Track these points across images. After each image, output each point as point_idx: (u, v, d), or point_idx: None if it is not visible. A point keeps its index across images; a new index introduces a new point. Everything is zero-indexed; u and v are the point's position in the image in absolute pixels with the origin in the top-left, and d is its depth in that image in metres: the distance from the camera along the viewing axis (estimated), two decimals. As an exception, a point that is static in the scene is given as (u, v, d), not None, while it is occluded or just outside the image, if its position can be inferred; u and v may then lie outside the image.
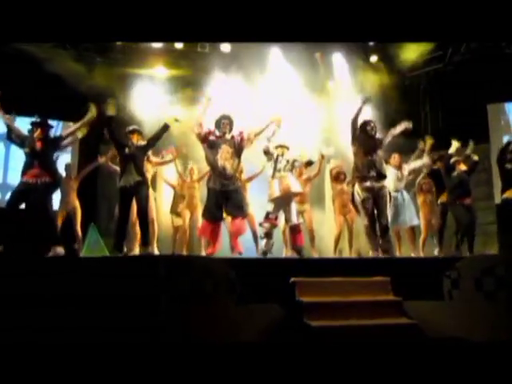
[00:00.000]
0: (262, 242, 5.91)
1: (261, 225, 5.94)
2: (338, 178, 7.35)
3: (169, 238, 7.67)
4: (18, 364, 3.09)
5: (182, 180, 7.42)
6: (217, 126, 5.79)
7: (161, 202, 7.97)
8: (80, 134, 5.83)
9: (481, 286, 4.18)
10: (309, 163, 6.60)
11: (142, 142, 5.66)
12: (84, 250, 7.21)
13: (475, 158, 6.63)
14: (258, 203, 6.89)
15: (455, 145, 6.74)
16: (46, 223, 5.29)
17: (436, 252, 6.78)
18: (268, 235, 5.84)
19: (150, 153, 6.18)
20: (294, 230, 5.94)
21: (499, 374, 3.14)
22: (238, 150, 5.71)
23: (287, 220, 6.07)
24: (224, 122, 5.75)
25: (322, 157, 6.58)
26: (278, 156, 5.92)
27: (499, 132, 9.33)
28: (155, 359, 3.21)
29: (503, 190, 6.24)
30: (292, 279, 4.29)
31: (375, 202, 5.69)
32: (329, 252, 7.47)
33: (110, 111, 5.50)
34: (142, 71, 9.22)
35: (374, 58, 9.47)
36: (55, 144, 5.48)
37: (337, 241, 7.25)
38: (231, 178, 5.58)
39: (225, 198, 5.59)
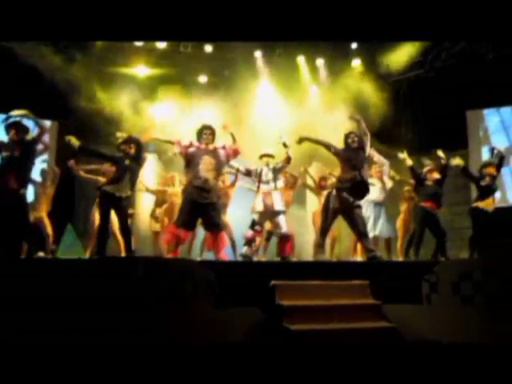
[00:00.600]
0: (244, 248, 5.90)
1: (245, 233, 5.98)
2: (320, 184, 7.43)
3: (149, 241, 7.64)
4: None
5: (162, 188, 7.40)
6: (198, 137, 5.70)
7: (140, 206, 7.94)
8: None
9: (458, 290, 4.25)
10: (288, 160, 6.38)
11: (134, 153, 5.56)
12: (60, 251, 7.09)
13: (442, 161, 6.69)
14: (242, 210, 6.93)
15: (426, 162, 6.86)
16: (21, 229, 5.19)
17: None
18: (249, 243, 5.86)
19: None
20: (284, 239, 5.96)
21: (477, 376, 3.20)
22: (221, 161, 5.63)
23: (276, 228, 6.10)
24: (206, 133, 5.65)
25: (284, 145, 6.19)
26: (261, 170, 6.01)
27: (478, 138, 9.52)
28: (135, 360, 3.18)
29: (476, 200, 6.46)
30: (272, 282, 4.30)
31: (347, 214, 5.70)
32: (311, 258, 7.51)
33: (75, 144, 5.41)
34: (123, 70, 9.15)
35: (356, 63, 9.57)
36: (31, 148, 5.32)
37: (332, 246, 7.30)
38: (210, 191, 5.45)
39: (201, 210, 5.46)
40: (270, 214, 5.98)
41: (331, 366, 3.40)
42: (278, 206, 5.94)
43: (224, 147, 5.69)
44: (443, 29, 5.37)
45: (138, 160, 5.56)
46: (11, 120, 5.30)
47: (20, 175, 5.17)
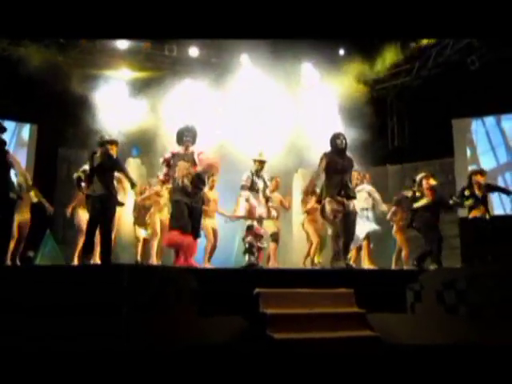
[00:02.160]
0: (246, 257, 5.92)
1: (243, 239, 6.00)
2: (307, 192, 7.48)
3: (130, 248, 7.61)
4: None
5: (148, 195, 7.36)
6: (179, 139, 5.71)
7: (122, 212, 7.89)
8: None
9: (442, 299, 4.32)
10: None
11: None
12: (39, 258, 7.02)
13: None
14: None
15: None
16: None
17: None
18: (251, 250, 5.88)
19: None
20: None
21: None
22: (195, 165, 5.59)
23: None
24: (187, 135, 5.67)
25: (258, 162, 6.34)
26: (252, 178, 6.08)
27: (463, 147, 9.70)
28: (118, 367, 3.18)
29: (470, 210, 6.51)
30: (256, 290, 4.32)
31: (344, 218, 5.66)
32: (297, 265, 7.56)
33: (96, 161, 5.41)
34: (105, 72, 9.13)
35: (343, 69, 9.69)
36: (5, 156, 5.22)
37: (314, 253, 7.34)
38: (194, 196, 5.49)
39: (189, 211, 5.48)
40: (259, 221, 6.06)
41: (315, 375, 3.43)
42: (260, 210, 6.03)
43: (200, 153, 5.65)
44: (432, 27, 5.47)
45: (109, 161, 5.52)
46: None
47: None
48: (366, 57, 9.34)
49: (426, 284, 4.51)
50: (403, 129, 10.30)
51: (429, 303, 4.40)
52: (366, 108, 9.02)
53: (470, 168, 9.08)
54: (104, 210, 5.31)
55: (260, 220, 6.07)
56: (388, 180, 8.59)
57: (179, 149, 5.71)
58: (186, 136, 5.66)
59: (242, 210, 5.99)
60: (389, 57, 9.43)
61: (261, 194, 6.10)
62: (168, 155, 5.70)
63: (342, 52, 9.65)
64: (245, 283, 4.47)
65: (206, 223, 6.83)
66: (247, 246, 5.92)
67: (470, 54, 8.97)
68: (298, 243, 7.71)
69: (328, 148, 5.84)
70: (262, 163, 6.27)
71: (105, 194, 5.29)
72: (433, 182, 6.71)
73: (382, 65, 9.40)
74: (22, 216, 6.34)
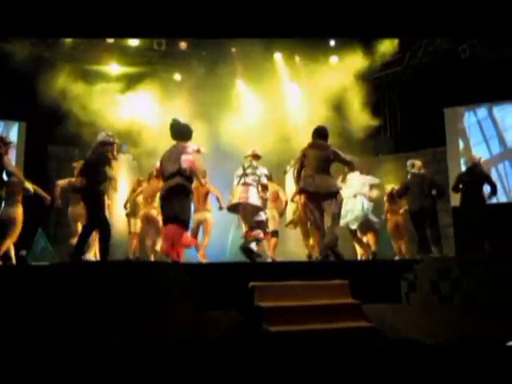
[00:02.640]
0: (253, 244, 5.94)
1: (244, 237, 6.05)
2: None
3: (123, 243, 7.58)
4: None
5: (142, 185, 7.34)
6: (171, 132, 5.68)
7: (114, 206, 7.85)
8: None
9: (437, 288, 4.34)
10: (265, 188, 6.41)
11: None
12: (31, 256, 6.99)
13: None
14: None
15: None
16: None
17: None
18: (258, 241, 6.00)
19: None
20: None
21: (454, 376, 3.28)
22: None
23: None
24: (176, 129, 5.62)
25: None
26: (244, 171, 6.09)
27: (455, 136, 9.73)
28: (111, 363, 3.18)
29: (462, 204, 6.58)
30: (251, 284, 4.32)
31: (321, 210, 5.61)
32: (292, 256, 7.58)
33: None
34: (93, 68, 9.06)
35: (334, 60, 9.68)
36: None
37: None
38: (176, 187, 5.40)
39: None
40: (244, 208, 6.04)
41: (311, 367, 3.44)
42: (253, 199, 6.03)
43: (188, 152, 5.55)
44: (420, 26, 5.49)
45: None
46: None
47: None
48: (357, 47, 9.33)
49: (420, 274, 4.53)
50: (395, 119, 10.32)
51: (423, 293, 4.42)
52: (357, 98, 9.03)
53: (463, 159, 9.14)
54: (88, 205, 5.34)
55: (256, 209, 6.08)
56: (380, 170, 8.60)
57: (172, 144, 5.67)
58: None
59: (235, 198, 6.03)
60: (380, 47, 9.42)
61: (253, 188, 6.09)
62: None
63: (332, 43, 9.63)
64: (239, 277, 4.47)
65: (201, 217, 6.86)
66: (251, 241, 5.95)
67: (460, 43, 8.98)
68: (294, 233, 7.70)
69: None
70: (254, 158, 6.27)
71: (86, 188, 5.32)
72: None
73: (373, 54, 9.38)
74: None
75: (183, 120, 5.80)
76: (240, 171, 6.22)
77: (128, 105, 8.85)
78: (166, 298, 3.90)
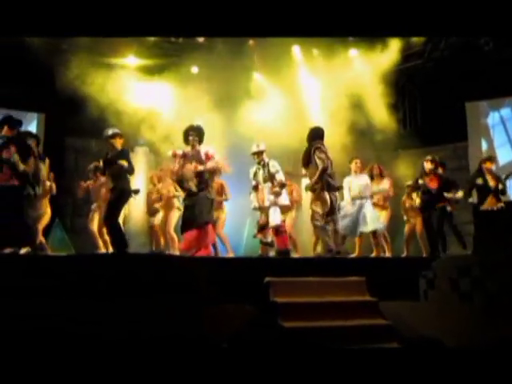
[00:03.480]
0: (270, 237, 6.10)
1: (254, 236, 6.22)
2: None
3: (143, 236, 7.66)
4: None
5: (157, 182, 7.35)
6: (185, 138, 5.79)
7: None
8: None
9: (456, 286, 4.28)
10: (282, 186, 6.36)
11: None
12: (49, 247, 7.06)
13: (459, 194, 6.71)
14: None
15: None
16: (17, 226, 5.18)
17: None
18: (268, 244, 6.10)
19: None
20: (277, 232, 6.02)
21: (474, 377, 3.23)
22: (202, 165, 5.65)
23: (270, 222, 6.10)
24: (192, 134, 5.74)
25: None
26: (256, 171, 6.16)
27: (477, 132, 9.55)
28: (128, 355, 3.21)
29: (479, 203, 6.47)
30: (267, 279, 4.31)
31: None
32: (306, 252, 7.54)
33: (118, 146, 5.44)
34: (112, 60, 9.09)
35: (353, 53, 9.55)
36: (25, 142, 5.35)
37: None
38: (196, 195, 5.59)
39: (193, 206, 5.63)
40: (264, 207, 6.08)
41: (326, 364, 3.42)
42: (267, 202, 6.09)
43: (207, 153, 5.73)
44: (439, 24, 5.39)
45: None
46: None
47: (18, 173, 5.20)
48: (376, 40, 9.19)
49: (439, 271, 4.47)
50: (415, 113, 10.16)
51: (442, 291, 4.36)
52: (376, 92, 8.91)
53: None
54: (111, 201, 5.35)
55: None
56: (399, 165, 8.48)
57: (188, 148, 5.79)
58: (190, 135, 5.73)
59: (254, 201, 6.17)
60: (399, 40, 9.26)
61: (265, 185, 6.12)
62: (179, 152, 5.77)
63: (350, 37, 9.49)
64: (255, 272, 4.47)
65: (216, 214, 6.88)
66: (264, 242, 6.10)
67: (482, 36, 8.77)
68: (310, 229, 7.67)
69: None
70: (260, 155, 6.24)
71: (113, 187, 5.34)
72: (430, 165, 6.57)
73: (394, 47, 9.23)
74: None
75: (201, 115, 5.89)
76: (254, 171, 6.28)
77: (146, 97, 8.86)
78: (183, 292, 3.91)
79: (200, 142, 5.77)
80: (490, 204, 6.34)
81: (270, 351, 3.53)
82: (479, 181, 6.47)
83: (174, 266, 4.29)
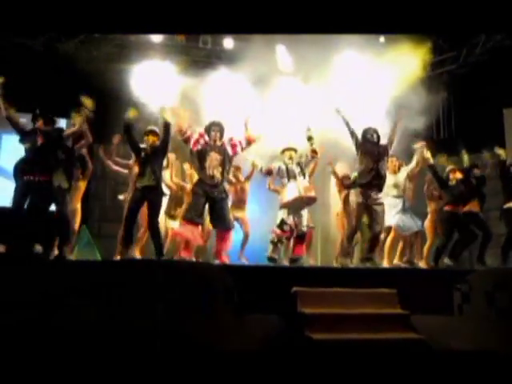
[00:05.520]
0: (269, 250, 5.99)
1: (273, 231, 6.06)
2: (343, 183, 7.36)
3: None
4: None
5: (178, 185, 7.38)
6: (207, 133, 5.87)
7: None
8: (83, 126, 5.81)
9: (493, 301, 4.15)
10: (314, 152, 6.37)
11: (158, 143, 5.75)
12: (75, 252, 7.18)
13: (501, 158, 6.64)
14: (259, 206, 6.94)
15: (440, 158, 6.83)
16: (49, 223, 5.33)
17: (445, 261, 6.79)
18: (275, 243, 5.97)
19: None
20: (301, 239, 6.03)
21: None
22: (227, 157, 5.82)
23: (296, 225, 6.06)
24: (214, 129, 5.84)
25: (309, 138, 6.38)
26: (286, 167, 6.09)
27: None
28: (148, 365, 3.22)
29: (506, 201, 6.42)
30: (294, 289, 4.28)
31: (369, 210, 5.76)
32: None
33: (131, 116, 5.66)
34: (140, 66, 9.23)
35: (383, 57, 9.44)
36: (58, 141, 5.53)
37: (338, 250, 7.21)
38: (218, 187, 5.68)
39: (208, 204, 5.72)
40: (300, 203, 6.00)
41: (355, 379, 3.37)
42: (310, 191, 6.07)
43: (231, 139, 5.87)
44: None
45: (157, 149, 5.70)
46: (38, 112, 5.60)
47: (49, 167, 5.40)
48: (408, 44, 9.07)
49: (475, 285, 4.34)
50: (450, 119, 9.98)
51: (478, 305, 4.23)
52: (409, 98, 8.77)
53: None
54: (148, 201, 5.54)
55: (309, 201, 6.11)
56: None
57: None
58: (213, 130, 5.83)
59: (289, 195, 6.02)
60: (431, 44, 9.11)
61: (300, 179, 6.09)
62: (197, 137, 5.81)
63: (382, 39, 9.40)
64: (281, 281, 4.44)
65: (237, 214, 6.88)
66: (273, 239, 5.98)
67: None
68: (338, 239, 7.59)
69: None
70: (290, 151, 6.28)
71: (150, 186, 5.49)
72: (459, 175, 6.54)
73: (427, 51, 9.09)
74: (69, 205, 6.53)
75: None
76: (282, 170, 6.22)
77: (172, 103, 8.94)
78: (207, 301, 3.91)
79: (221, 137, 5.87)
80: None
81: (298, 363, 3.49)
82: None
83: (197, 273, 4.28)
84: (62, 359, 3.23)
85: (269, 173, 6.28)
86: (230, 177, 6.51)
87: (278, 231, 5.96)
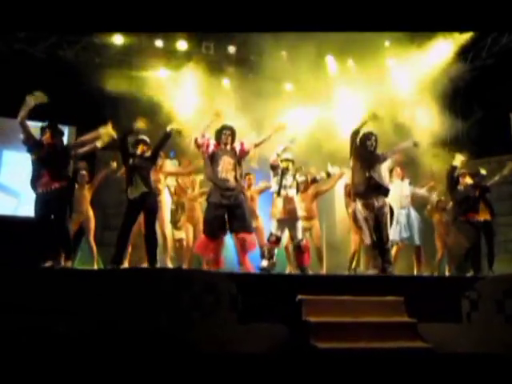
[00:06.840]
0: (263, 261, 5.96)
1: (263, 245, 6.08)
2: (348, 191, 7.37)
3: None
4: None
5: (181, 191, 7.41)
6: (218, 137, 5.86)
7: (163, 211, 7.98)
8: (100, 144, 5.86)
9: (502, 308, 4.14)
10: (314, 180, 6.75)
11: (148, 154, 5.81)
12: (77, 261, 7.20)
13: (482, 171, 6.66)
14: (266, 216, 6.93)
15: (459, 158, 6.72)
16: (61, 233, 5.37)
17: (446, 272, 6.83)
18: (268, 255, 5.91)
19: (161, 162, 6.54)
20: (299, 249, 5.98)
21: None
22: (238, 160, 5.79)
23: (292, 238, 6.10)
24: (226, 133, 5.82)
25: (328, 175, 6.64)
26: (283, 171, 6.01)
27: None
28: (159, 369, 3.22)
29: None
30: (299, 297, 4.27)
31: (376, 219, 5.72)
32: (344, 269, 7.46)
33: (139, 126, 5.78)
34: (142, 73, 9.30)
35: (390, 62, 9.47)
36: (65, 151, 5.60)
37: (351, 259, 7.21)
38: (234, 190, 5.58)
39: (227, 212, 5.56)
40: (290, 218, 5.97)
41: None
42: (299, 210, 6.05)
43: (242, 144, 5.85)
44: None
45: (149, 160, 5.78)
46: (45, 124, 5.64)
47: (58, 175, 5.41)
48: (413, 47, 9.07)
49: (483, 292, 4.33)
50: (455, 125, 9.95)
51: (487, 313, 4.22)
52: (414, 103, 8.77)
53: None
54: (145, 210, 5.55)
55: (296, 220, 6.04)
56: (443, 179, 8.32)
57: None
58: (224, 134, 5.80)
59: (280, 211, 6.00)
60: (438, 47, 9.12)
61: (293, 192, 6.09)
62: (206, 141, 5.78)
63: (387, 43, 9.41)
64: (286, 289, 4.43)
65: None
66: (265, 251, 5.96)
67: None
68: (344, 245, 7.60)
69: None
70: (288, 162, 6.19)
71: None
72: (470, 180, 6.54)
73: (432, 56, 9.10)
74: (82, 214, 6.83)
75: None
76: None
77: (176, 110, 8.98)
78: (212, 309, 3.91)
79: (233, 141, 5.86)
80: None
81: (303, 372, 3.48)
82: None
83: (202, 281, 4.28)
84: (67, 366, 3.24)
85: (273, 168, 6.23)
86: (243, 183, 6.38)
87: (267, 242, 6.02)
